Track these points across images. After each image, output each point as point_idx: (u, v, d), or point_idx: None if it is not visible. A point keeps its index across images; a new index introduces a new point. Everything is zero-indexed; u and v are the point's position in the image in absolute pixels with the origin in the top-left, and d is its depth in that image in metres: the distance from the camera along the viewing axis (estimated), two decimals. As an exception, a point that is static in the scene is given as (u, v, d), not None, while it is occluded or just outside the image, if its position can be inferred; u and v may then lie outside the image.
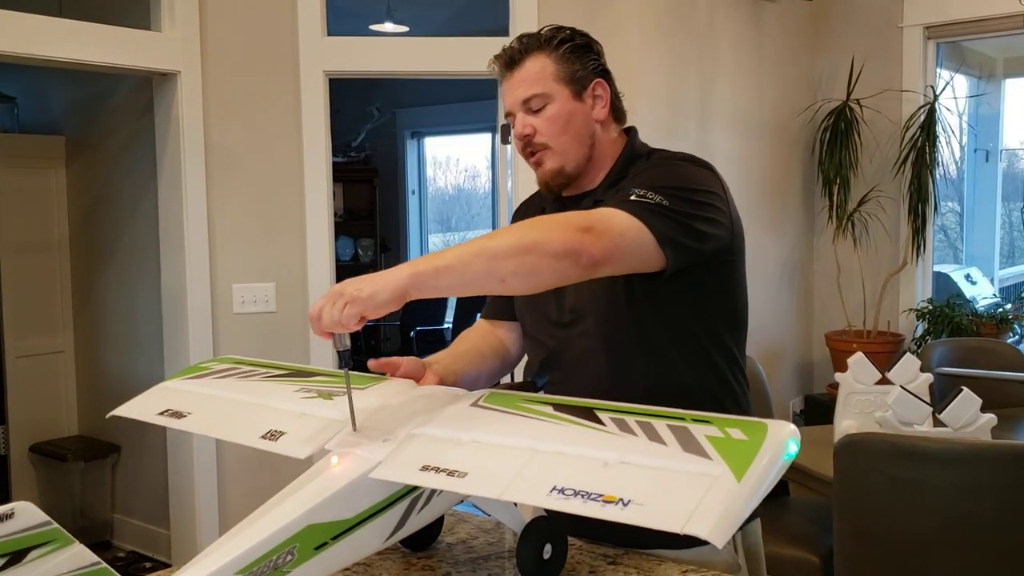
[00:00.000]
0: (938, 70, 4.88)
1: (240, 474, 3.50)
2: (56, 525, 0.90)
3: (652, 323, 1.50)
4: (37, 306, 4.34)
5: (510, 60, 1.56)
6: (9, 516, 0.86)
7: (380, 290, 1.17)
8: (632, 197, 1.38)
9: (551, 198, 1.62)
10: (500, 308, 1.73)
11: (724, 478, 0.95)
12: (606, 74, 1.60)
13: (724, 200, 1.50)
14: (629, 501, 0.94)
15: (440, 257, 1.23)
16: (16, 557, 0.87)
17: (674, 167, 1.52)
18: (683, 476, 0.96)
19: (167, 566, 3.72)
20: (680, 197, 1.41)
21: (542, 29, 1.58)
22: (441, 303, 6.32)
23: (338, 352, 1.20)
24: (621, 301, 1.50)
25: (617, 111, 1.62)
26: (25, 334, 4.31)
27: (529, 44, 1.56)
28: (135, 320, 4.00)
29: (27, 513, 0.88)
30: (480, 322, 1.76)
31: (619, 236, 1.33)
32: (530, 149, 1.56)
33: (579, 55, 1.56)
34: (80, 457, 4.17)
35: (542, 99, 1.53)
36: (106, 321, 4.22)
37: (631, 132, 1.64)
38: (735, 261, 1.56)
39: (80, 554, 0.91)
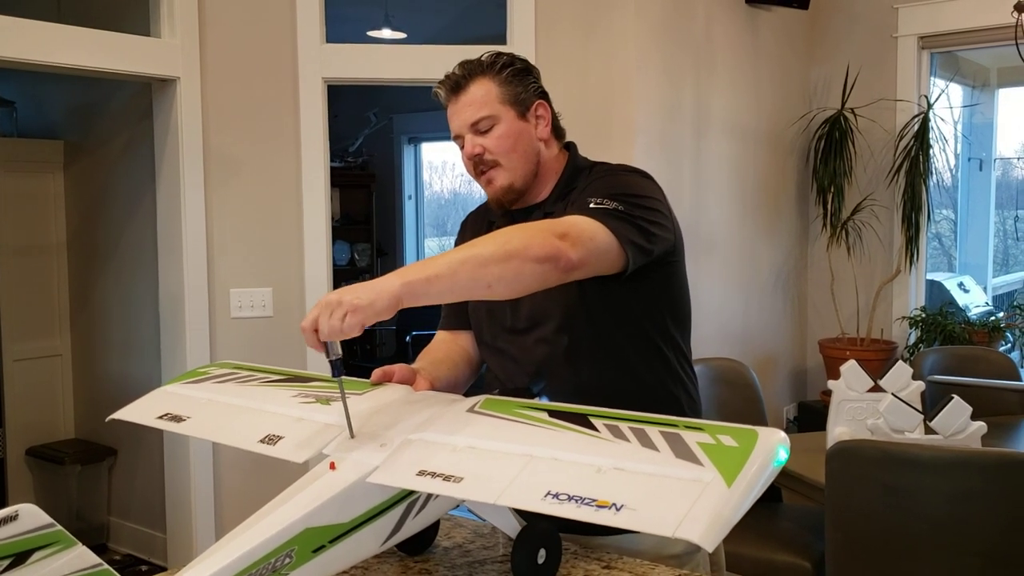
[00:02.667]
0: (932, 79, 4.91)
1: (236, 478, 3.51)
2: (59, 527, 0.91)
3: (607, 323, 1.59)
4: (34, 309, 4.34)
5: (455, 85, 1.64)
6: (13, 518, 0.88)
7: (377, 298, 1.20)
8: (591, 205, 1.48)
9: (500, 212, 1.69)
10: (457, 319, 1.80)
11: (715, 484, 0.96)
12: (545, 96, 1.69)
13: (665, 206, 1.60)
14: (622, 506, 0.96)
15: (429, 266, 1.27)
16: (20, 559, 0.88)
17: (621, 177, 1.63)
18: (675, 482, 0.98)
19: (163, 569, 3.72)
20: (631, 203, 1.50)
21: (482, 56, 1.66)
22: (436, 308, 6.28)
23: (330, 361, 1.22)
24: (577, 305, 1.58)
25: (557, 130, 1.72)
26: (22, 337, 4.32)
27: (473, 69, 1.64)
28: (132, 324, 4.01)
29: (31, 515, 0.89)
30: (440, 334, 1.83)
31: (590, 240, 1.42)
32: (481, 168, 1.65)
33: (520, 78, 1.65)
34: (77, 460, 4.18)
35: (490, 120, 1.62)
36: (103, 325, 4.23)
37: (571, 148, 1.74)
38: (678, 262, 1.66)
39: (82, 556, 0.93)
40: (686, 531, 0.92)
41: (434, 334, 1.85)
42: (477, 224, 1.79)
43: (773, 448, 1.01)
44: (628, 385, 1.60)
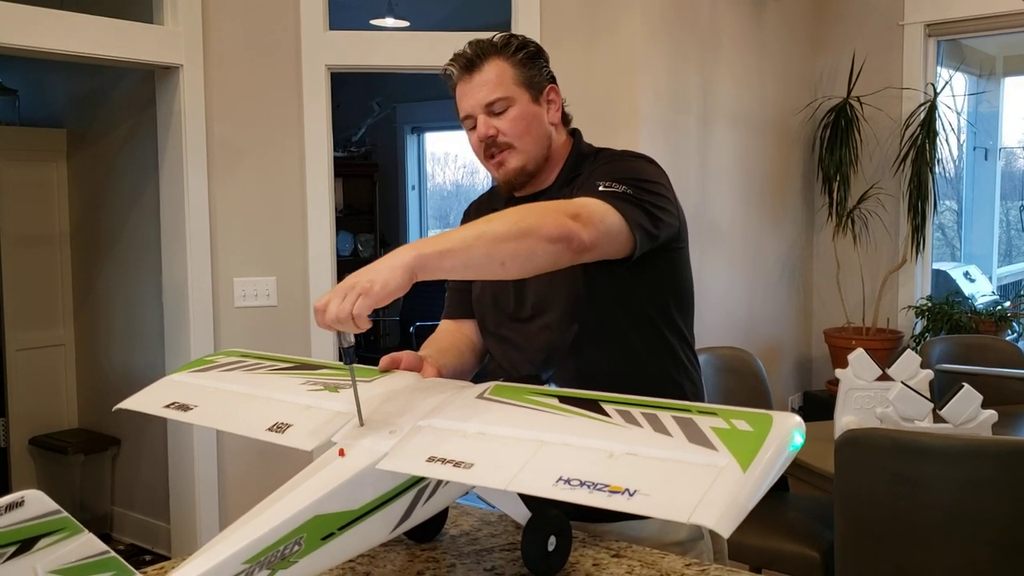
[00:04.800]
0: (938, 68, 4.88)
1: (240, 467, 3.51)
2: (65, 514, 0.90)
3: (612, 310, 1.58)
4: (38, 299, 4.34)
5: (468, 64, 1.61)
6: (19, 504, 0.86)
7: (390, 278, 1.17)
8: (601, 188, 1.47)
9: (506, 198, 1.68)
10: (460, 308, 1.79)
11: (730, 469, 0.95)
12: (555, 80, 1.68)
13: (671, 192, 1.59)
14: (635, 491, 0.95)
15: (443, 240, 1.26)
16: (26, 545, 0.87)
17: (627, 162, 1.62)
18: (689, 467, 0.97)
19: (167, 559, 3.72)
20: (639, 187, 1.49)
21: (494, 36, 1.63)
22: (439, 300, 6.26)
23: (342, 349, 1.20)
24: (582, 291, 1.57)
25: (565, 116, 1.71)
26: (25, 327, 4.31)
27: (486, 49, 1.61)
28: (136, 313, 4.00)
29: (37, 501, 0.88)
30: (444, 323, 1.81)
31: (601, 222, 1.40)
32: (492, 150, 1.62)
33: (533, 61, 1.63)
34: (80, 450, 4.18)
35: (505, 102, 1.59)
36: (107, 314, 4.22)
37: (576, 134, 1.73)
38: (682, 249, 1.65)
39: (89, 543, 0.92)
40: (701, 516, 0.90)
41: (437, 325, 1.83)
42: (480, 213, 1.77)
43: (789, 432, 0.99)
44: (631, 372, 1.59)
